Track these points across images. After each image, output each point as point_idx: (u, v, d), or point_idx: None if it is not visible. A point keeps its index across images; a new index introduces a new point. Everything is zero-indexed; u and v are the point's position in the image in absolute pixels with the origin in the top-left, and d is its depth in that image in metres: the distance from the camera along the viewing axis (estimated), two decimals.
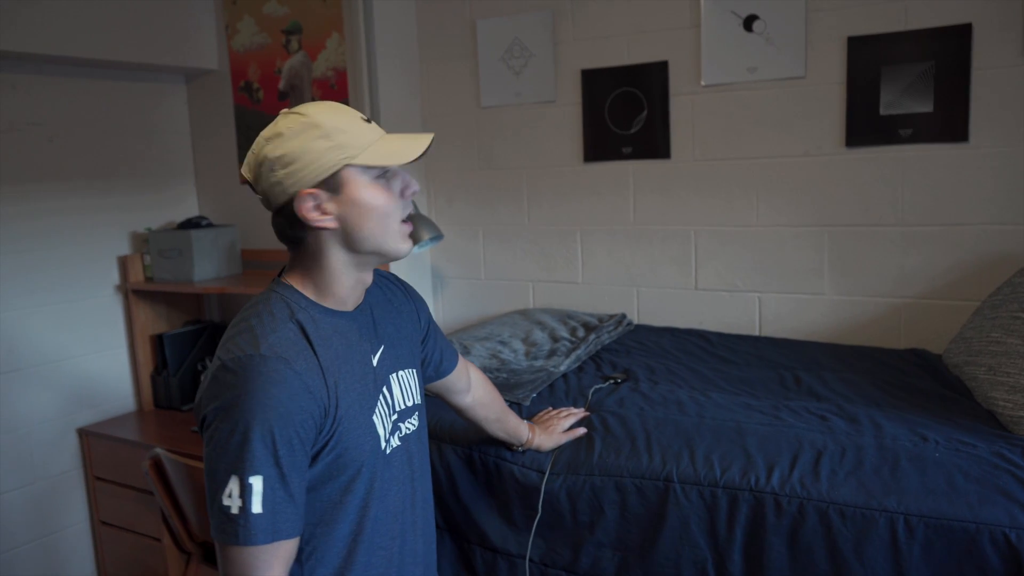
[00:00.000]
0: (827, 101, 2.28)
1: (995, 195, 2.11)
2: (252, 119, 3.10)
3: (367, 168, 1.15)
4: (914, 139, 2.17)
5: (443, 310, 3.02)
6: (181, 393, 2.96)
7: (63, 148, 2.79)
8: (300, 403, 1.07)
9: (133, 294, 2.95)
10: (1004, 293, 1.90)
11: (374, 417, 1.21)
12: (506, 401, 1.86)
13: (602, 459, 1.63)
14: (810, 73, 2.29)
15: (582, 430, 1.73)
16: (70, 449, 2.85)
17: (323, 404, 1.11)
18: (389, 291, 1.38)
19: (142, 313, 2.99)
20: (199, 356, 3.02)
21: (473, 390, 1.62)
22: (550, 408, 1.84)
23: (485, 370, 2.11)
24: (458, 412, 1.66)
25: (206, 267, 2.91)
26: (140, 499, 2.68)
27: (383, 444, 1.23)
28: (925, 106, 2.15)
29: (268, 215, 1.23)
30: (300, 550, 1.16)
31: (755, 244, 2.43)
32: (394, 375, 1.30)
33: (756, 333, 2.47)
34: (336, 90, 2.88)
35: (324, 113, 1.14)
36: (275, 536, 1.06)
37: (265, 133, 1.15)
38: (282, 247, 1.23)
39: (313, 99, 2.91)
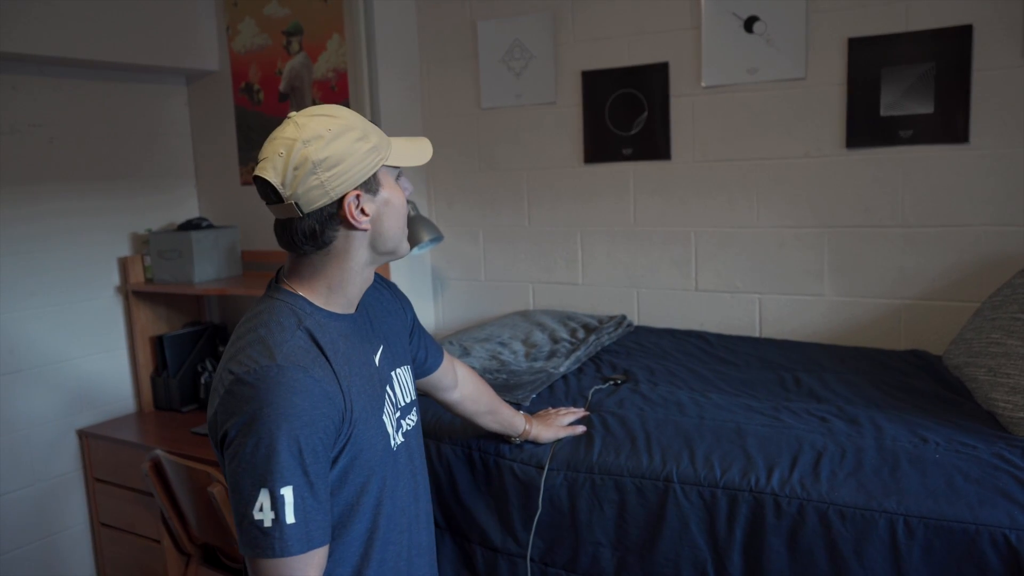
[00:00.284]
0: (827, 102, 2.28)
1: (995, 196, 2.11)
2: (253, 120, 3.10)
3: (391, 168, 1.19)
4: (915, 140, 2.17)
5: (443, 312, 3.02)
6: (181, 394, 2.96)
7: (64, 149, 2.80)
8: (322, 410, 1.08)
9: (133, 295, 2.95)
10: (1004, 294, 1.90)
11: (383, 416, 1.23)
12: (505, 401, 1.86)
13: (602, 458, 1.63)
14: (811, 74, 2.29)
15: (582, 428, 1.73)
16: (70, 450, 2.85)
17: (340, 409, 1.12)
18: (378, 291, 1.39)
19: (142, 314, 2.99)
20: (199, 357, 3.02)
21: (460, 386, 1.62)
22: (550, 408, 1.84)
23: (485, 371, 2.11)
24: (447, 408, 1.66)
25: (206, 268, 2.91)
26: (140, 501, 2.68)
27: (392, 442, 1.25)
28: (926, 107, 2.15)
29: (268, 217, 1.23)
30: None
31: (755, 245, 2.43)
32: (394, 373, 1.32)
33: (756, 334, 2.46)
34: (336, 91, 2.88)
35: (349, 115, 1.16)
36: (310, 545, 1.06)
37: (296, 135, 1.12)
38: (281, 249, 1.22)
39: (314, 101, 2.91)
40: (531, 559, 1.68)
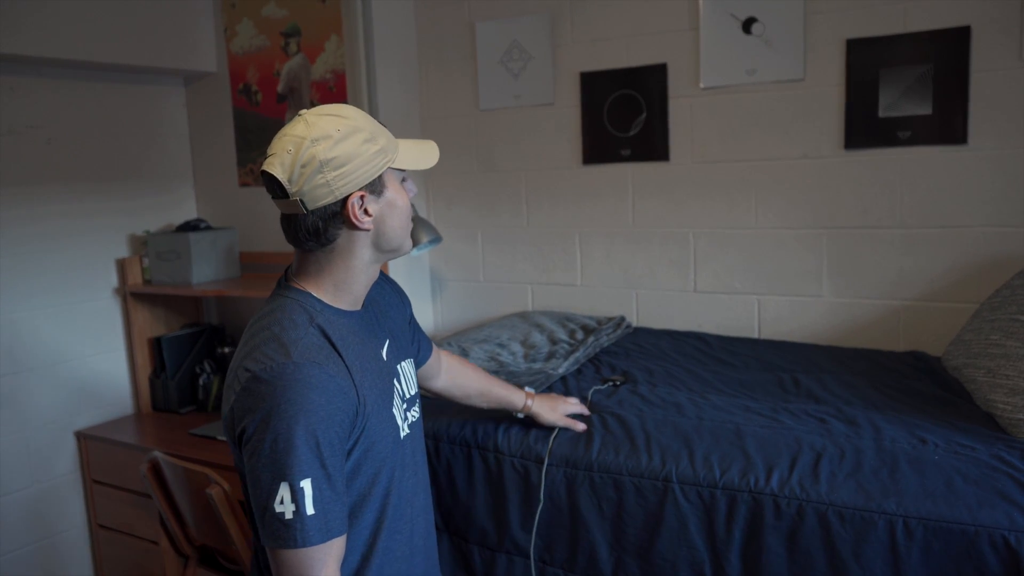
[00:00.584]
0: (826, 103, 2.28)
1: (994, 197, 2.11)
2: (251, 121, 3.10)
3: (397, 170, 1.22)
4: (913, 141, 2.17)
5: (442, 313, 3.01)
6: (179, 396, 2.96)
7: (61, 151, 2.79)
8: (337, 404, 1.12)
9: (131, 297, 2.95)
10: (1003, 295, 1.90)
11: (393, 409, 1.27)
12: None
13: (601, 456, 1.63)
14: (809, 75, 2.29)
15: (582, 426, 1.73)
16: (68, 452, 2.84)
17: (354, 403, 1.16)
18: (381, 286, 1.42)
19: (140, 316, 2.98)
20: (197, 359, 3.01)
21: (444, 373, 1.65)
22: (554, 394, 1.84)
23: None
24: (437, 396, 1.69)
25: (204, 270, 2.90)
26: (138, 502, 2.67)
27: (401, 433, 1.30)
28: (924, 108, 2.15)
29: (267, 218, 1.25)
30: None
31: (754, 246, 2.43)
32: (399, 366, 1.36)
33: (755, 336, 2.46)
34: (335, 92, 2.88)
35: (359, 115, 1.18)
36: (329, 535, 1.10)
37: (305, 133, 1.14)
38: (281, 250, 1.25)
39: (312, 102, 2.91)
40: (531, 557, 1.68)
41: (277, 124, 3.03)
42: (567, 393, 1.96)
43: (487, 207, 2.86)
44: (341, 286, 1.23)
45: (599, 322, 2.55)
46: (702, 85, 2.44)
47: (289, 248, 3.11)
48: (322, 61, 2.90)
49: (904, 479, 1.41)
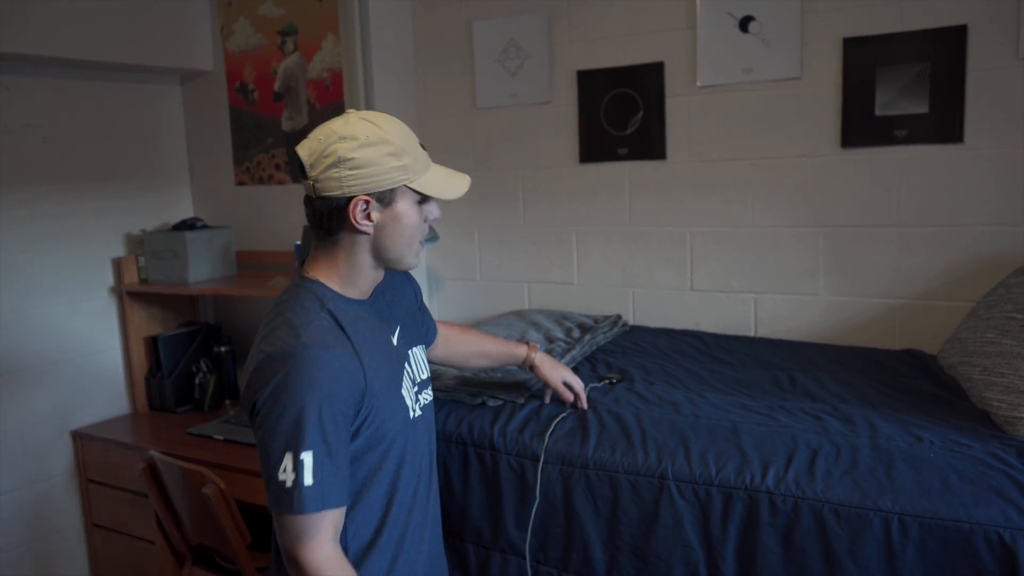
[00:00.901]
0: (823, 102, 2.28)
1: (990, 196, 2.11)
2: (247, 120, 3.09)
3: (416, 192, 1.28)
4: (909, 140, 2.17)
5: (439, 311, 3.01)
6: (176, 395, 2.95)
7: (57, 150, 2.79)
8: (342, 384, 1.20)
9: (127, 296, 2.94)
10: (999, 294, 1.90)
11: (402, 391, 1.35)
12: (500, 400, 1.86)
13: (597, 453, 1.63)
14: (806, 74, 2.29)
15: (570, 395, 1.78)
16: (64, 452, 2.84)
17: (360, 384, 1.23)
18: (392, 275, 1.47)
19: (136, 315, 2.98)
20: (194, 358, 3.01)
21: (440, 344, 1.72)
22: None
23: (480, 369, 2.11)
24: (441, 365, 1.78)
25: (201, 268, 2.90)
26: (134, 502, 2.67)
27: (411, 414, 1.37)
28: (920, 107, 2.15)
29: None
30: (346, 514, 1.26)
31: (751, 245, 2.43)
32: (410, 351, 1.44)
33: (752, 334, 2.46)
34: (331, 91, 2.88)
35: (395, 130, 1.25)
36: (324, 505, 1.17)
37: (339, 129, 1.23)
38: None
39: (309, 101, 2.91)
40: (526, 555, 1.68)
41: (274, 123, 3.03)
42: None
43: (484, 206, 2.86)
44: (347, 278, 1.31)
45: (596, 320, 2.55)
46: (699, 84, 2.44)
47: (285, 247, 3.11)
48: (319, 60, 2.90)
49: (900, 477, 1.41)
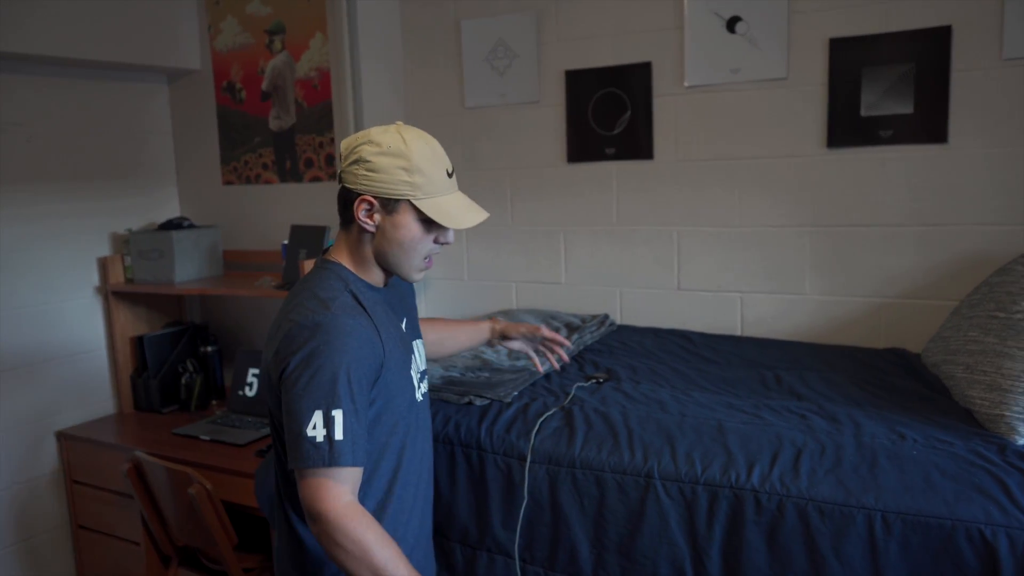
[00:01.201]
0: (809, 102, 2.29)
1: (974, 196, 2.13)
2: (235, 119, 3.08)
3: (417, 210, 1.36)
4: (895, 140, 2.19)
5: (427, 311, 3.01)
6: (162, 395, 2.94)
7: (43, 149, 2.77)
8: (367, 351, 1.30)
9: (113, 296, 2.93)
10: (981, 292, 1.91)
11: (410, 371, 1.45)
12: (487, 399, 1.86)
13: (583, 452, 1.63)
14: (792, 74, 2.30)
15: (563, 342, 1.83)
16: (48, 452, 2.82)
17: (380, 356, 1.34)
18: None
19: (122, 315, 2.96)
20: (180, 358, 2.99)
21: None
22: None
23: (467, 369, 2.11)
24: None
25: (187, 268, 2.89)
26: (119, 503, 2.65)
27: (417, 394, 1.47)
28: (905, 107, 2.16)
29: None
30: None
31: (737, 244, 2.44)
32: (414, 343, 1.54)
33: (738, 333, 2.47)
34: (319, 90, 2.88)
35: (419, 150, 1.35)
36: (354, 460, 1.25)
37: (374, 136, 1.36)
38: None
39: (297, 100, 2.91)
40: (512, 553, 1.68)
41: (261, 122, 3.02)
42: (551, 391, 1.96)
43: None
44: (361, 266, 1.42)
45: (583, 320, 2.56)
46: (686, 84, 2.44)
47: (272, 247, 3.11)
48: (307, 59, 2.89)
49: (883, 474, 1.42)
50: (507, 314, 2.66)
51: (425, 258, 1.41)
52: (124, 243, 2.97)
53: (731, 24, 2.35)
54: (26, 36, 2.51)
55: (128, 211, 3.06)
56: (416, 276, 1.43)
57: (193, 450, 2.50)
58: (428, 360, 1.78)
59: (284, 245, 2.68)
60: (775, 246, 2.39)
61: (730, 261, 2.46)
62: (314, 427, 1.23)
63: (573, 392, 1.90)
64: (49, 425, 2.82)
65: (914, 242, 2.21)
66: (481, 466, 1.74)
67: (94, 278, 2.95)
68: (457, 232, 2.91)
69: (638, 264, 2.60)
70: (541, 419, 1.75)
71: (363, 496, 1.33)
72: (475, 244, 2.87)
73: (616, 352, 2.29)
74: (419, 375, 1.51)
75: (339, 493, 1.23)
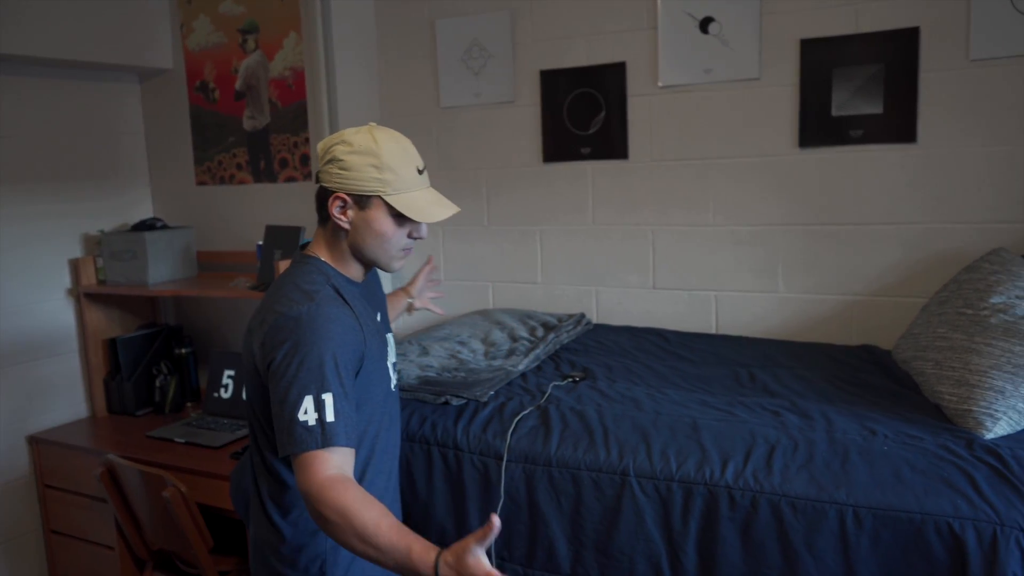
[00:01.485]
0: (781, 102, 2.31)
1: (941, 195, 2.16)
2: (208, 119, 3.06)
3: (391, 205, 1.40)
4: (865, 140, 2.22)
5: None
6: (135, 398, 2.90)
7: (13, 149, 2.73)
8: (351, 338, 1.35)
9: (85, 297, 2.89)
10: (950, 290, 1.95)
11: (386, 362, 1.51)
12: (463, 399, 1.87)
13: (559, 451, 1.64)
14: (764, 75, 2.33)
15: (438, 309, 2.03)
16: (20, 457, 2.78)
17: (361, 344, 1.38)
18: (373, 271, 1.61)
19: (94, 317, 2.93)
20: (154, 360, 2.96)
21: None
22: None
23: (443, 370, 2.11)
24: None
25: (161, 269, 2.86)
26: (93, 507, 2.62)
27: (391, 385, 1.52)
28: (875, 107, 2.19)
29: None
30: None
31: (711, 243, 2.46)
32: (388, 335, 1.58)
33: (713, 331, 2.49)
34: (294, 90, 2.86)
35: (390, 149, 1.39)
36: (347, 441, 1.27)
37: (347, 136, 1.41)
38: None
39: (271, 100, 2.89)
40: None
41: (235, 122, 2.99)
42: (526, 389, 1.96)
43: None
44: (339, 261, 1.46)
45: (559, 319, 2.57)
46: (660, 84, 2.46)
47: (247, 247, 3.08)
48: (280, 58, 2.87)
49: (855, 470, 1.44)
50: (483, 314, 2.66)
51: (402, 249, 1.45)
52: (96, 244, 2.94)
53: (704, 25, 2.37)
54: None
55: (100, 212, 3.02)
56: (396, 265, 1.47)
57: (168, 453, 2.47)
58: None
59: (259, 245, 2.66)
60: (749, 245, 2.41)
61: (704, 260, 2.48)
62: (305, 412, 1.25)
63: (549, 391, 1.91)
64: (20, 429, 2.78)
65: (884, 240, 2.24)
66: (458, 465, 1.74)
67: (66, 280, 2.91)
68: (434, 232, 2.94)
69: (614, 263, 2.61)
70: (517, 418, 1.76)
71: None
72: (451, 244, 2.87)
73: (592, 351, 2.30)
74: (392, 366, 1.56)
75: (324, 469, 1.24)
